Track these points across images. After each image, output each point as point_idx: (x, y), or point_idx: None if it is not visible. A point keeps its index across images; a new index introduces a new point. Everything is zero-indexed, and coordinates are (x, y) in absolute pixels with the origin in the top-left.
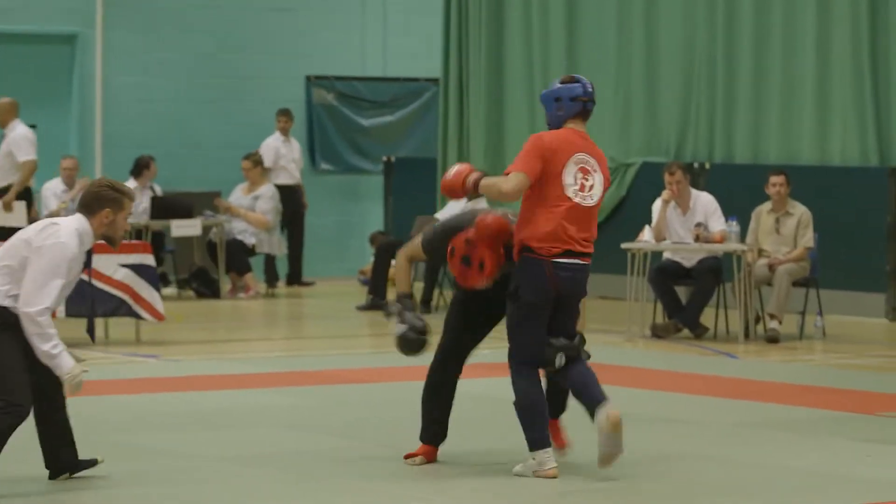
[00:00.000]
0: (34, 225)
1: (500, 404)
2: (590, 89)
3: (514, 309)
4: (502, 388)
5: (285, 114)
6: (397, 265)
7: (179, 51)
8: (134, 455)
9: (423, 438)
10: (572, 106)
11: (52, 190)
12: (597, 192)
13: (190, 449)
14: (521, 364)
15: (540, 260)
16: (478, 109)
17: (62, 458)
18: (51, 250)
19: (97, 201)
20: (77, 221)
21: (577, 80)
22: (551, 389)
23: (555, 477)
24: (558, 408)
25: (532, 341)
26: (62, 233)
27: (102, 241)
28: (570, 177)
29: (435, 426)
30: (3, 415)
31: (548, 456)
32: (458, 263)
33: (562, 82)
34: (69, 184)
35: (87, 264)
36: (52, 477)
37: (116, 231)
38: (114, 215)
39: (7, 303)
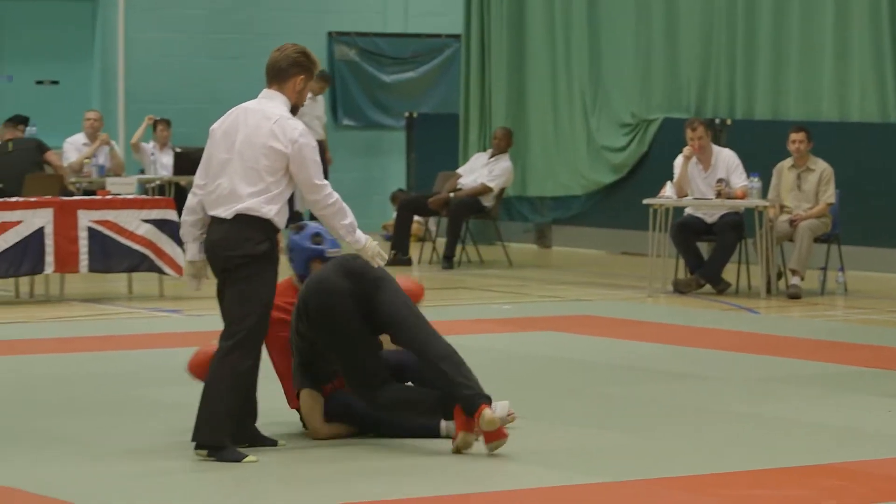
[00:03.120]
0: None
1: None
2: None
3: None
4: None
5: (322, 79)
6: None
7: (201, 7)
8: (156, 410)
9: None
10: None
11: (73, 143)
12: None
13: None
14: None
15: None
16: (499, 65)
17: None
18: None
19: (293, 66)
20: (281, 106)
21: (301, 228)
22: None
23: None
24: None
25: None
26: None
27: (126, 196)
28: None
29: None
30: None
31: None
32: None
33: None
34: (91, 136)
35: None
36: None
37: (301, 100)
38: (304, 84)
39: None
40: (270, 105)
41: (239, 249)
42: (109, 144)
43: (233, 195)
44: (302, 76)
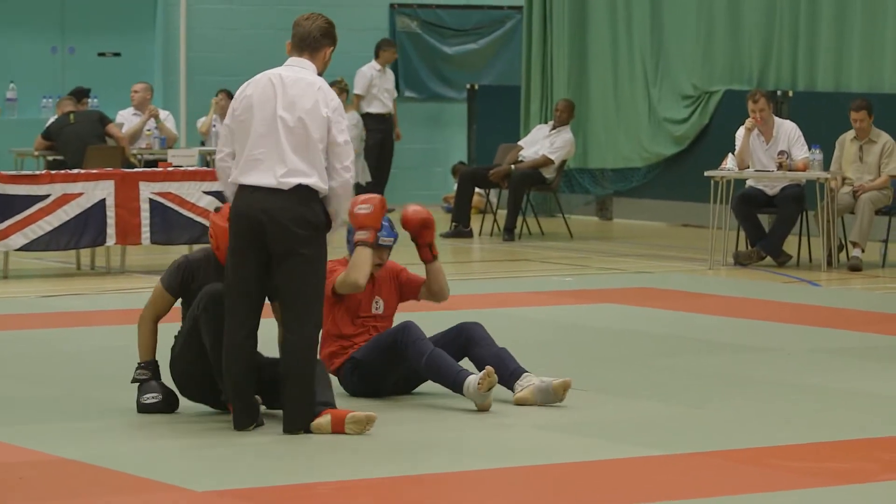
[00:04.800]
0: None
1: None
2: None
3: None
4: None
5: (392, 45)
6: (140, 330)
7: None
8: None
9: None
10: None
11: (124, 116)
12: None
13: None
14: None
15: None
16: (561, 37)
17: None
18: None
19: (325, 37)
20: (314, 74)
21: None
22: None
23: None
24: None
25: None
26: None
27: (188, 168)
28: None
29: None
30: None
31: None
32: None
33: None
34: (140, 108)
35: None
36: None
37: (324, 70)
38: (330, 56)
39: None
40: (306, 73)
41: (305, 221)
42: (156, 117)
43: (283, 164)
44: (331, 48)
